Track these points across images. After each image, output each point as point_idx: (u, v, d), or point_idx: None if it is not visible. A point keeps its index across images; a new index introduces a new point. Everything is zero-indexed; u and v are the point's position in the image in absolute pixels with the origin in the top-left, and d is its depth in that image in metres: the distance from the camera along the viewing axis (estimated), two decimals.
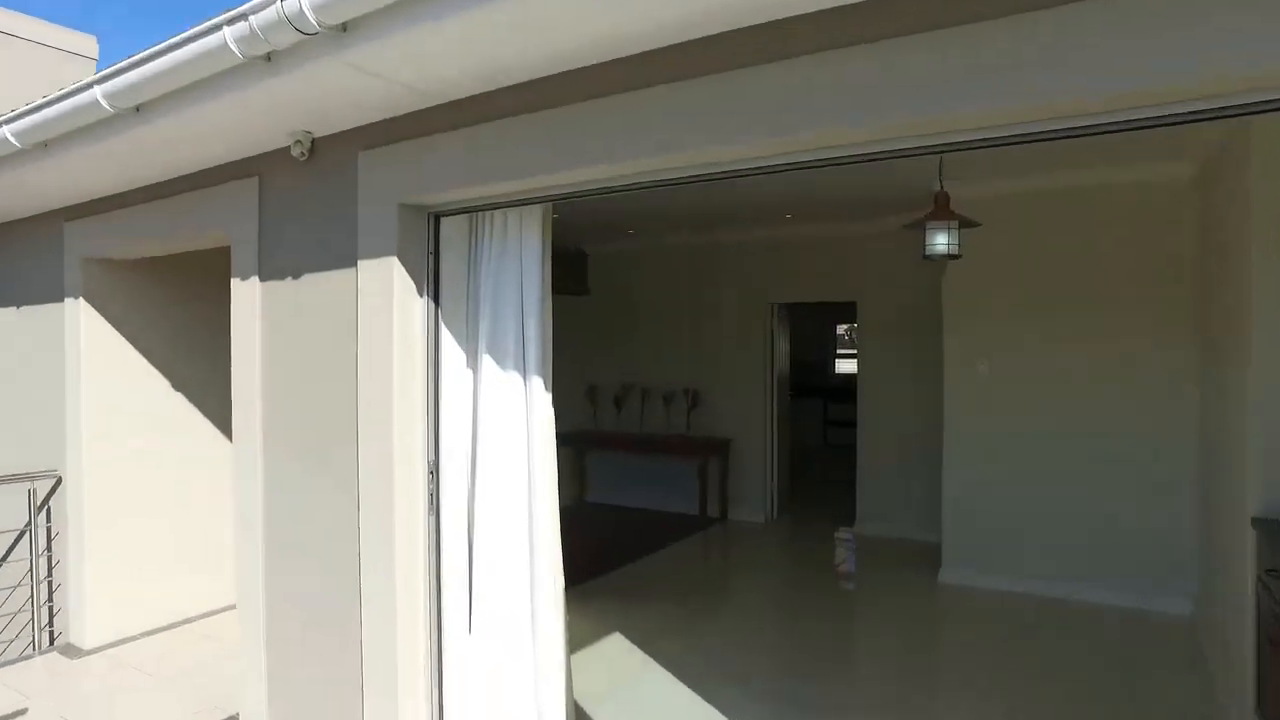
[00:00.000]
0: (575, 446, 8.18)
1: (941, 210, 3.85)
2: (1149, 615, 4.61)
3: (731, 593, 5.48)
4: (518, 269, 3.07)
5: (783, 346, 7.72)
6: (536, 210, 3.06)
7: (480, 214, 3.06)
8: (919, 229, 3.92)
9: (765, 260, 7.32)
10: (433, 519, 2.97)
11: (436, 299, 2.96)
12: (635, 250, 8.05)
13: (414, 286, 2.90)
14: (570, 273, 9.20)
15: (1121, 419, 4.76)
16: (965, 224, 3.85)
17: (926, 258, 3.92)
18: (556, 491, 3.12)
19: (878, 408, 6.78)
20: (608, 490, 8.30)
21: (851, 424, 7.08)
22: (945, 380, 5.27)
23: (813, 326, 12.84)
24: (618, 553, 6.22)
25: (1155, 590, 4.70)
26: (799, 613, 5.00)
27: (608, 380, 8.17)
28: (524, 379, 3.03)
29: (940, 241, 3.83)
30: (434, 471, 2.96)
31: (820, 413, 11.96)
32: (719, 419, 7.61)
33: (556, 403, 3.09)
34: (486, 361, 3.06)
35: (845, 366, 12.99)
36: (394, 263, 2.81)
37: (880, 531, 6.68)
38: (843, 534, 6.82)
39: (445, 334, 3.00)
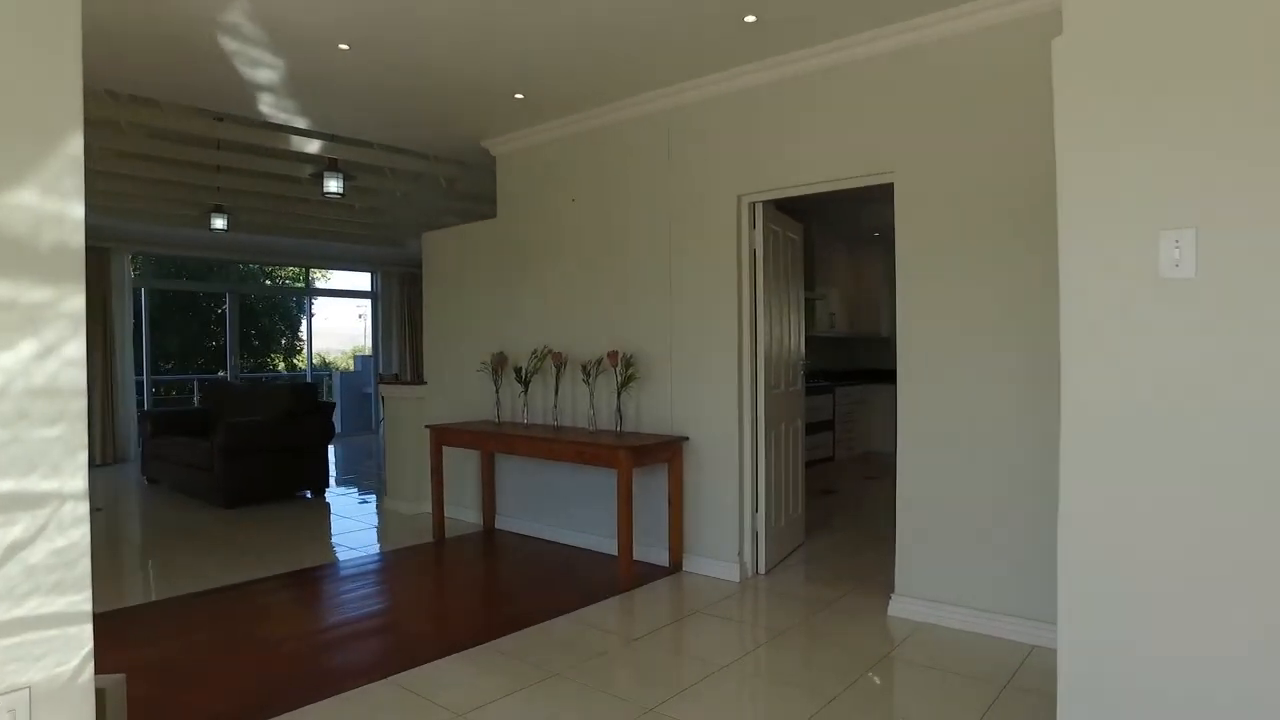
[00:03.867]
0: (482, 447, 5.36)
1: None
2: None
3: None
4: None
5: (788, 290, 4.58)
6: None
7: None
8: None
9: (734, 128, 4.23)
10: None
11: None
12: (548, 143, 5.14)
13: None
14: (472, 182, 6.42)
15: None
16: None
17: None
18: None
19: (930, 392, 3.60)
20: (520, 512, 5.44)
21: None
22: (1063, 315, 2.08)
23: (886, 280, 9.37)
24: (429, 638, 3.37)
25: None
26: None
27: (522, 347, 5.31)
28: None
29: None
30: None
31: (892, 407, 8.58)
32: (666, 405, 4.60)
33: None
34: None
35: None
36: None
37: (940, 616, 3.51)
38: (875, 615, 3.68)
39: None
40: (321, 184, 6.22)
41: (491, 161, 5.68)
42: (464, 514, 5.78)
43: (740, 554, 4.29)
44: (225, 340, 11.00)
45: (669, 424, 4.57)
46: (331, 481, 7.69)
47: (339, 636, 3.48)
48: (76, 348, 1.94)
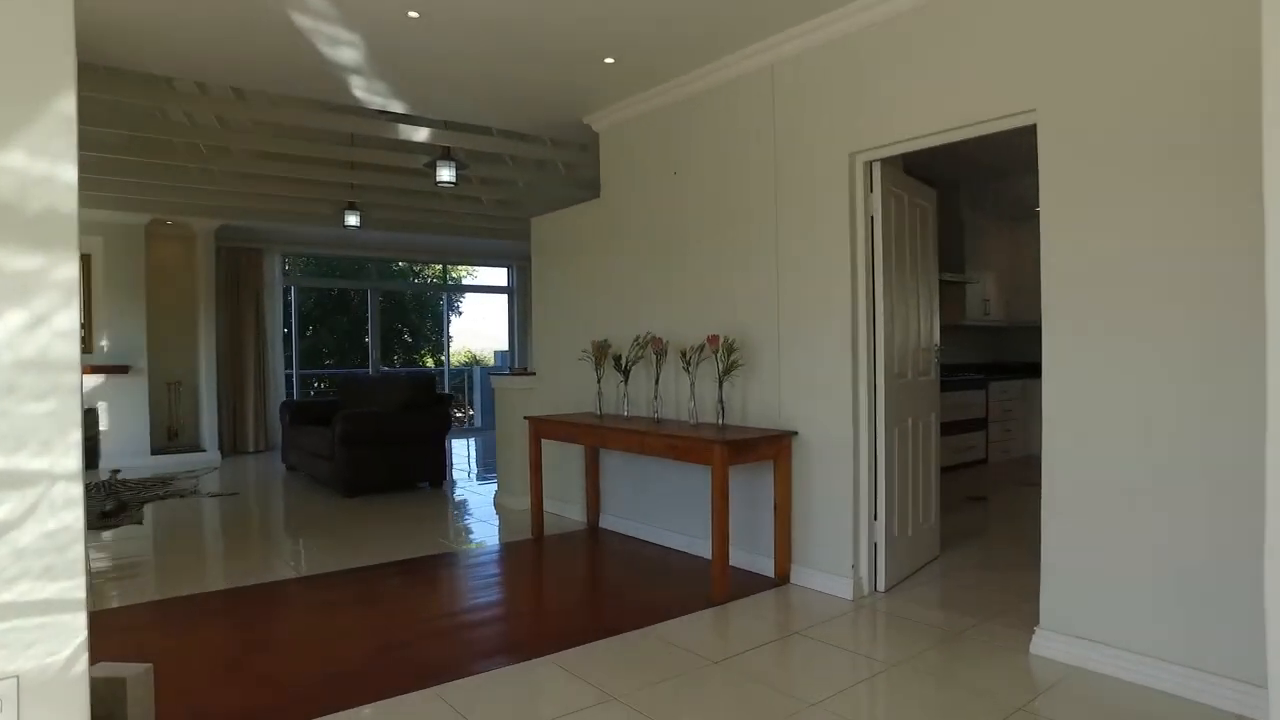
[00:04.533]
0: (577, 440, 5.08)
1: None
2: None
3: None
4: None
5: (917, 264, 3.93)
6: None
7: None
8: None
9: (844, 78, 3.67)
10: None
11: None
12: (646, 114, 4.77)
13: None
14: (591, 167, 6.12)
15: None
16: None
17: None
18: None
19: (1085, 370, 2.89)
20: (625, 511, 5.10)
21: None
22: (1268, 272, 1.43)
23: None
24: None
25: None
26: None
27: (625, 333, 4.97)
28: None
29: None
30: None
31: None
32: (773, 395, 4.09)
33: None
34: None
35: None
36: None
37: (1099, 661, 2.80)
38: (1015, 652, 3.02)
39: None
40: (435, 173, 6.19)
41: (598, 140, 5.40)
42: (570, 511, 5.53)
43: (855, 568, 3.72)
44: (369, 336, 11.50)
45: (776, 417, 4.06)
46: (453, 474, 7.73)
47: (394, 640, 3.25)
48: (69, 319, 1.71)
